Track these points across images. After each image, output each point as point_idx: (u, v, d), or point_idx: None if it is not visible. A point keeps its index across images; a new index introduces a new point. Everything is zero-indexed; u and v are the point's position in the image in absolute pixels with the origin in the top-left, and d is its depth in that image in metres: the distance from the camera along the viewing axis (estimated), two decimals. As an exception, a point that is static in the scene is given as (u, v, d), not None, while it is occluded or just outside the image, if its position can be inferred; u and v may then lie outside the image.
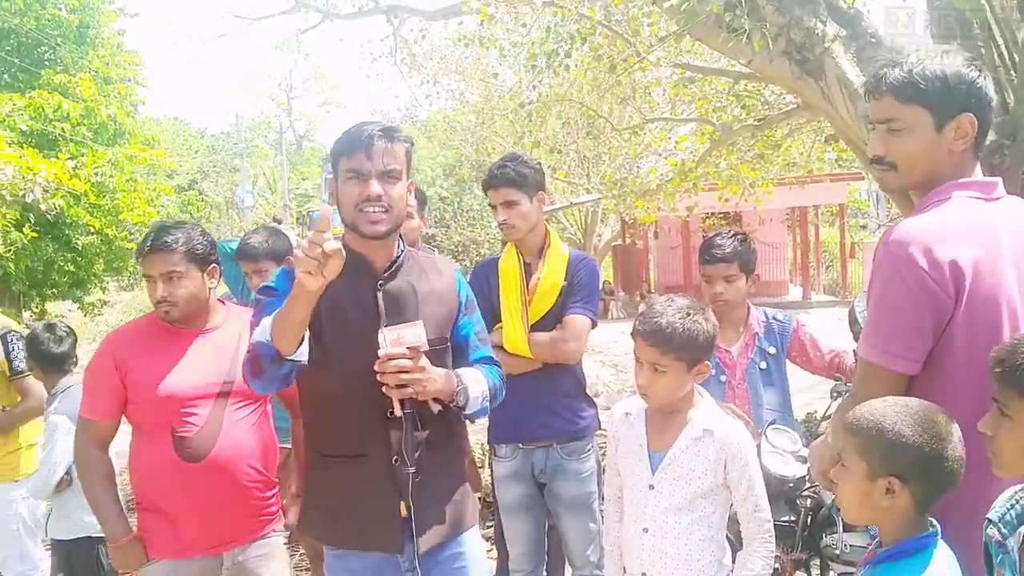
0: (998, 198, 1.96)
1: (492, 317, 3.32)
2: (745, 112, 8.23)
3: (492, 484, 3.56)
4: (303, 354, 2.17)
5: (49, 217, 11.92)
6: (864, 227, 27.15)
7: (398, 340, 2.22)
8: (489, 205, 3.40)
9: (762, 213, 14.68)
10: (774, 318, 3.40)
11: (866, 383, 1.86)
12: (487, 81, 14.55)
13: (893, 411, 1.62)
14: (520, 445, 3.36)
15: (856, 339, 3.07)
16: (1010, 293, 1.85)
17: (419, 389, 2.26)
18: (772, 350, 3.32)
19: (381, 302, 2.37)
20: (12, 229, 11.79)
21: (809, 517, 2.80)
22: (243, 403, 2.84)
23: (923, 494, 1.61)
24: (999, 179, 2.02)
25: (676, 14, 4.72)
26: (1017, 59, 4.39)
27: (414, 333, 2.25)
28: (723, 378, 3.24)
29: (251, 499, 2.84)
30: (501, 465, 3.40)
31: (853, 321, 3.05)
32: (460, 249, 26.85)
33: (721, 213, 14.99)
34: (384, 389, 2.25)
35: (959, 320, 1.79)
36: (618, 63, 7.02)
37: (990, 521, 1.59)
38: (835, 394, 3.01)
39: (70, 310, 21.13)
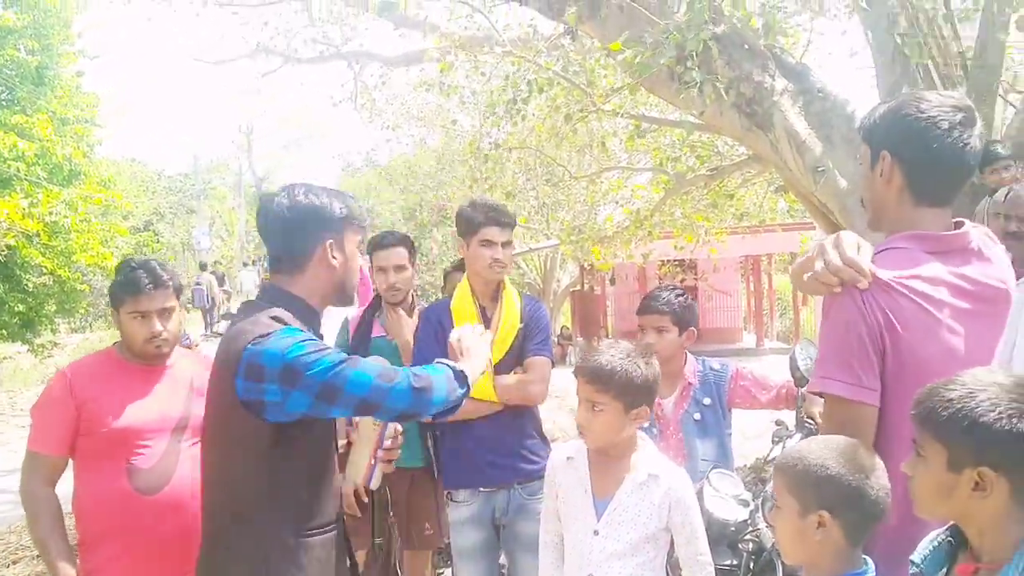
0: (950, 251, 1.85)
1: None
2: (699, 162, 8.41)
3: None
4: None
5: (1, 256, 11.72)
6: (817, 276, 27.49)
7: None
8: (481, 241, 3.38)
9: (716, 261, 14.90)
10: (711, 368, 3.43)
11: (833, 420, 1.80)
12: (447, 127, 14.68)
13: (817, 448, 1.67)
14: (481, 489, 3.36)
15: (796, 383, 3.13)
16: (944, 355, 1.78)
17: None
18: (707, 401, 3.35)
19: None
20: (-38, 269, 11.61)
21: (752, 561, 2.84)
22: (197, 440, 2.81)
23: (853, 526, 1.64)
24: (963, 232, 1.89)
25: (629, 67, 4.83)
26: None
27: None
28: (654, 431, 3.26)
29: (197, 529, 2.84)
30: (459, 510, 3.39)
31: (794, 368, 3.10)
32: (419, 292, 26.82)
33: (676, 260, 15.17)
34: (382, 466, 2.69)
35: (889, 369, 1.77)
36: (574, 113, 7.15)
37: (913, 563, 1.61)
38: (776, 439, 3.06)
39: (19, 351, 20.69)
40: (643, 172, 10.22)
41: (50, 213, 14.06)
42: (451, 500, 3.44)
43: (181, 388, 2.89)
